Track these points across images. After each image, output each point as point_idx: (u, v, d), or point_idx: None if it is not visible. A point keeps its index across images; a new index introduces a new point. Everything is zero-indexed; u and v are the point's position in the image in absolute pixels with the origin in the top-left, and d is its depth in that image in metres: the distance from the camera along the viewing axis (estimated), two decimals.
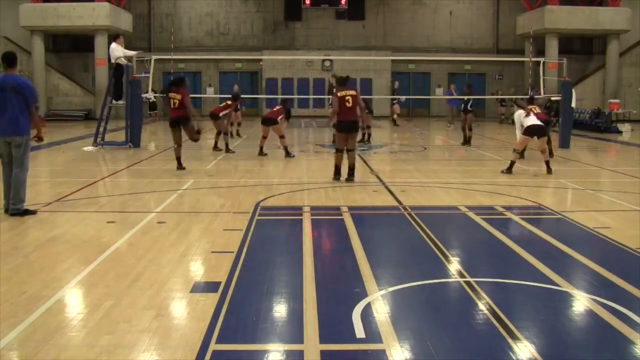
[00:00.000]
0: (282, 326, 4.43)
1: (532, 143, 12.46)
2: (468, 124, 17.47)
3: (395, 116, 27.21)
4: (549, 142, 13.32)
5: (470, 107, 17.66)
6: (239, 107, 17.67)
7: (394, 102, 27.70)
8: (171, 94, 12.13)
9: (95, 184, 10.80)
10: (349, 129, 10.57)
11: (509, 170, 11.77)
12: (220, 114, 15.47)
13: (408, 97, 31.36)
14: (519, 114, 12.14)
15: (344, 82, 10.81)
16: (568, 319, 4.69)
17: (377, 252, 6.44)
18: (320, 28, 33.77)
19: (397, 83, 28.76)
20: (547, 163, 11.86)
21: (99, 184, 10.83)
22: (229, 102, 16.03)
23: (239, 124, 19.92)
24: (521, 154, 13.51)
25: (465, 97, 17.87)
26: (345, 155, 10.68)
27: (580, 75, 31.75)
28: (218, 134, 15.85)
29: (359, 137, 14.00)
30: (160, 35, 33.31)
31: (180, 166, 12.18)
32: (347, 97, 10.43)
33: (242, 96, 18.77)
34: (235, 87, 21.67)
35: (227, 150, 15.33)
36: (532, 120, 11.75)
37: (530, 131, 11.72)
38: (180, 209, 8.67)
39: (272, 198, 9.35)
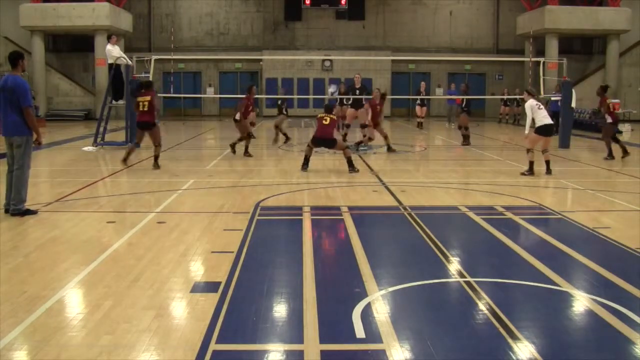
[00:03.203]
0: (282, 326, 4.43)
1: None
2: (462, 124, 17.56)
3: (422, 119, 25.56)
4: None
5: (465, 107, 17.75)
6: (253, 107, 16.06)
7: (422, 103, 25.95)
8: (140, 98, 12.40)
9: (95, 184, 10.79)
10: (320, 144, 12.50)
11: (530, 171, 11.68)
12: (242, 115, 14.66)
13: (407, 97, 31.31)
14: (531, 105, 11.71)
15: (327, 109, 12.50)
16: (568, 319, 4.69)
17: (377, 252, 6.44)
18: (320, 28, 33.78)
19: (423, 84, 26.95)
20: (548, 163, 11.84)
21: (99, 184, 10.82)
22: (245, 96, 15.25)
23: (252, 124, 18.61)
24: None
25: (463, 97, 17.95)
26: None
27: (580, 75, 31.76)
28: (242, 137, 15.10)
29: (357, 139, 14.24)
30: (160, 35, 33.33)
31: (156, 165, 12.43)
32: (325, 118, 12.15)
33: (242, 96, 18.23)
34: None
35: (233, 150, 14.94)
36: (545, 117, 11.66)
37: (542, 131, 11.64)
38: (180, 209, 8.67)
39: (272, 198, 9.35)
